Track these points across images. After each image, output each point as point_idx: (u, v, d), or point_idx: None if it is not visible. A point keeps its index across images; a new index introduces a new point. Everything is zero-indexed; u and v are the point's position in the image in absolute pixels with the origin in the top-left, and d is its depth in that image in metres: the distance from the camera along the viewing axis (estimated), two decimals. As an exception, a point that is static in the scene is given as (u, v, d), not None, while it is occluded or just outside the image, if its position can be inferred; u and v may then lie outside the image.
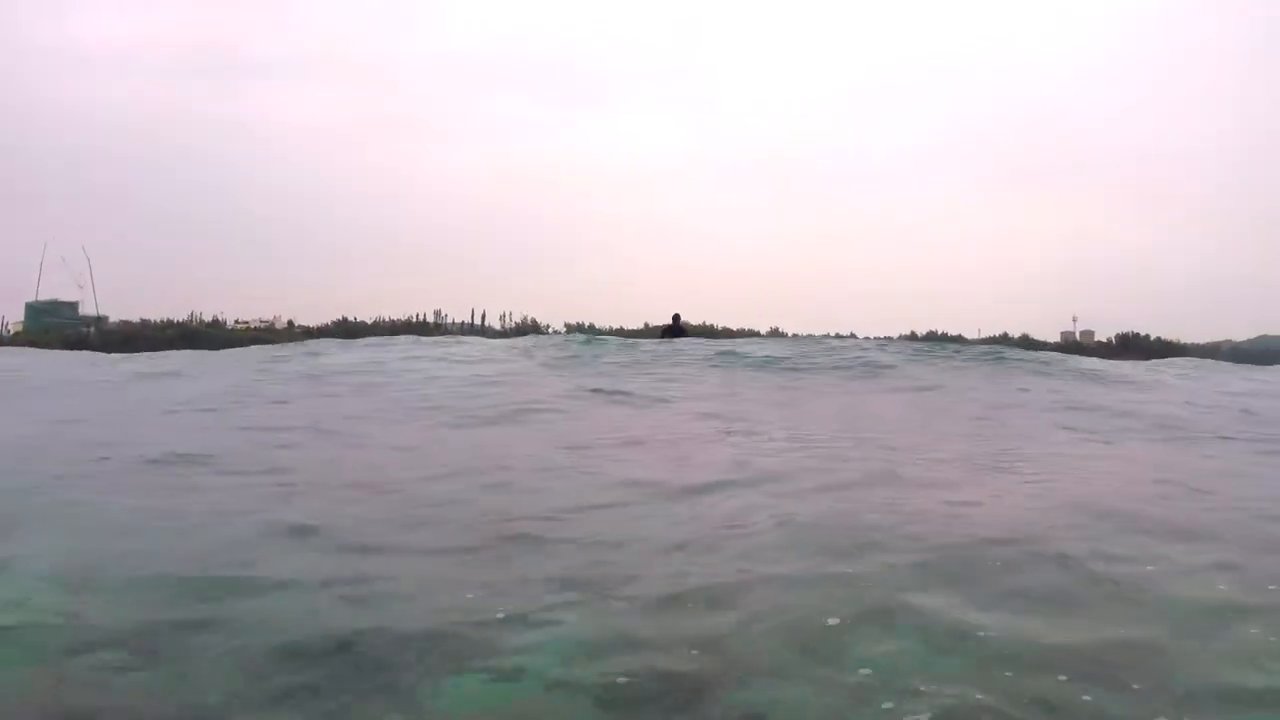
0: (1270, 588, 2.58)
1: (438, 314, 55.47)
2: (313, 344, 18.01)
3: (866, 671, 1.95)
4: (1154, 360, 24.08)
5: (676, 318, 22.95)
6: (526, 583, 2.52)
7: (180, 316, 41.94)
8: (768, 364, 12.15)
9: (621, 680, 1.91)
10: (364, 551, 2.80)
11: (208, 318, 43.10)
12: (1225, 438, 6.65)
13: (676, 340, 17.27)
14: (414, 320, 52.20)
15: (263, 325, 39.45)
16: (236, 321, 42.88)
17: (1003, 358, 13.64)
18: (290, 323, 41.69)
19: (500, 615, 2.24)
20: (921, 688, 1.85)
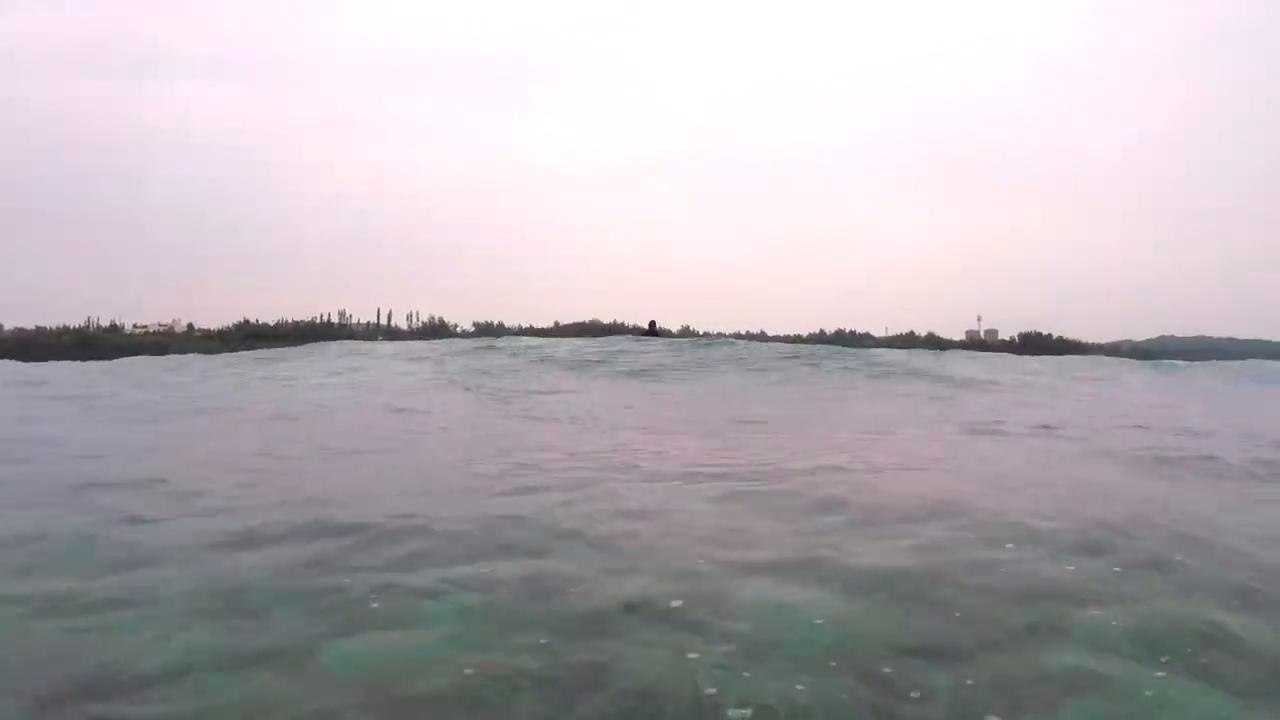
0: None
1: (343, 315, 54.36)
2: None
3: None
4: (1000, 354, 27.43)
5: (652, 324, 28.63)
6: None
7: (76, 322, 40.15)
8: (637, 367, 13.92)
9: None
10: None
11: (105, 323, 41.25)
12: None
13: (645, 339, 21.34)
14: (318, 322, 51.06)
15: (162, 330, 38.11)
16: (135, 326, 41.29)
17: (818, 358, 16.16)
18: (190, 326, 40.41)
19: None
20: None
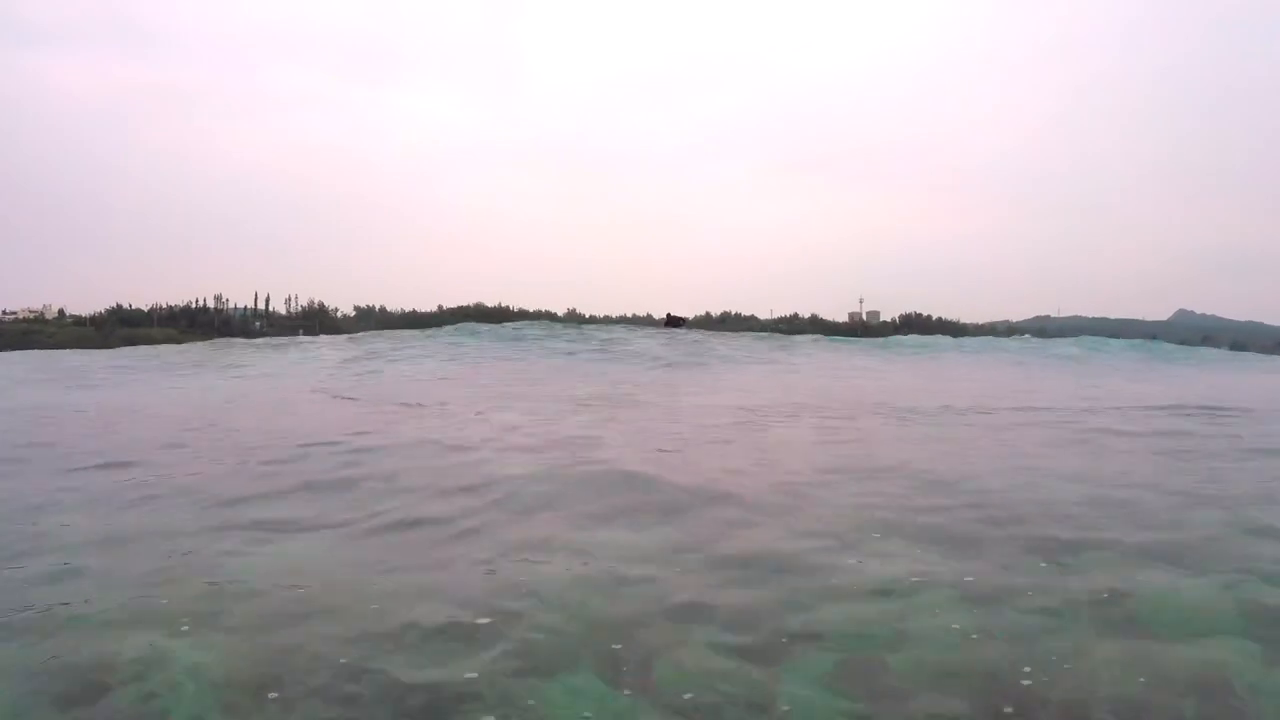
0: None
1: (219, 299, 52.90)
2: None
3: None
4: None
5: (671, 316, 31.24)
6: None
7: (-72, 308, 37.80)
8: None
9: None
10: None
11: (-37, 308, 39.04)
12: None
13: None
14: (193, 306, 49.57)
15: (32, 315, 36.30)
16: (4, 312, 39.13)
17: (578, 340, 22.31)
18: (61, 311, 38.56)
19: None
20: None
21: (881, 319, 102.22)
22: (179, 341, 62.61)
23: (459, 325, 28.36)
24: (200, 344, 30.12)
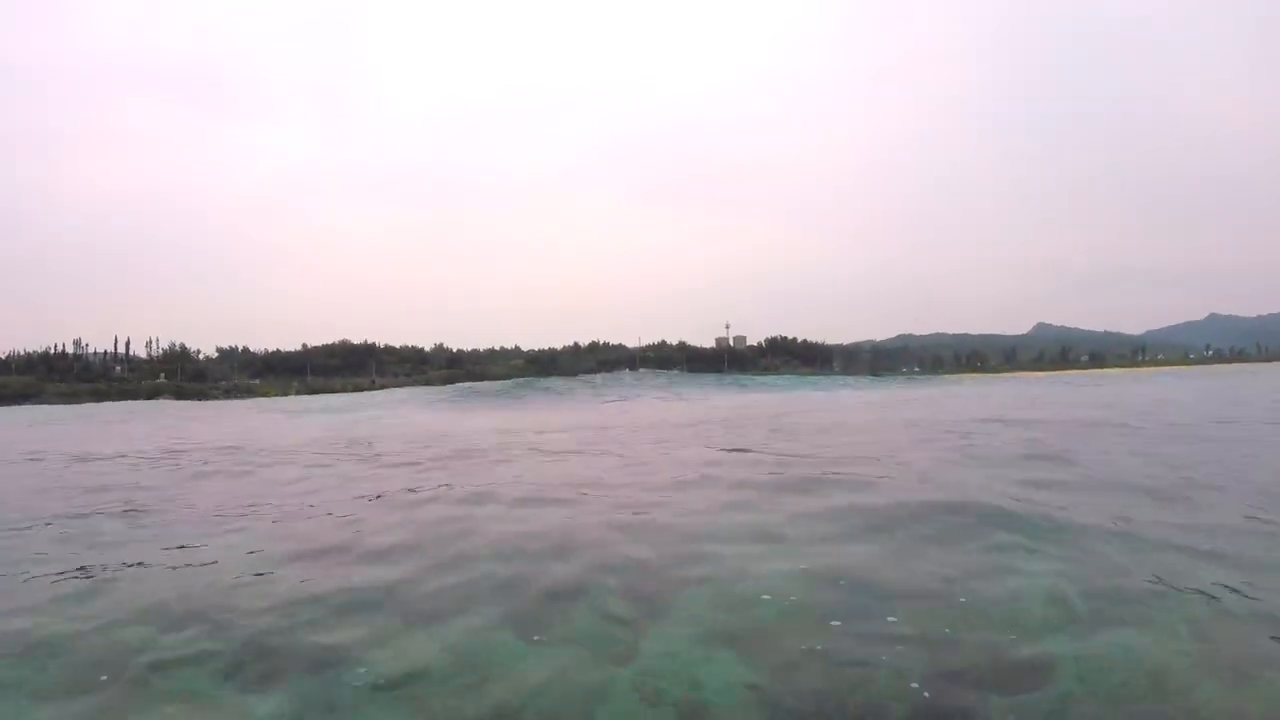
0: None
1: (77, 344, 53.20)
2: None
3: None
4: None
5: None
6: None
7: None
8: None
9: None
10: None
11: None
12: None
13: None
14: (51, 352, 49.71)
15: None
16: None
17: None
18: (-94, 362, 38.34)
19: None
20: None
21: (748, 343, 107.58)
22: (43, 392, 61.41)
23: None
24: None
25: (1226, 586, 3.51)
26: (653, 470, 7.70)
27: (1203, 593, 3.43)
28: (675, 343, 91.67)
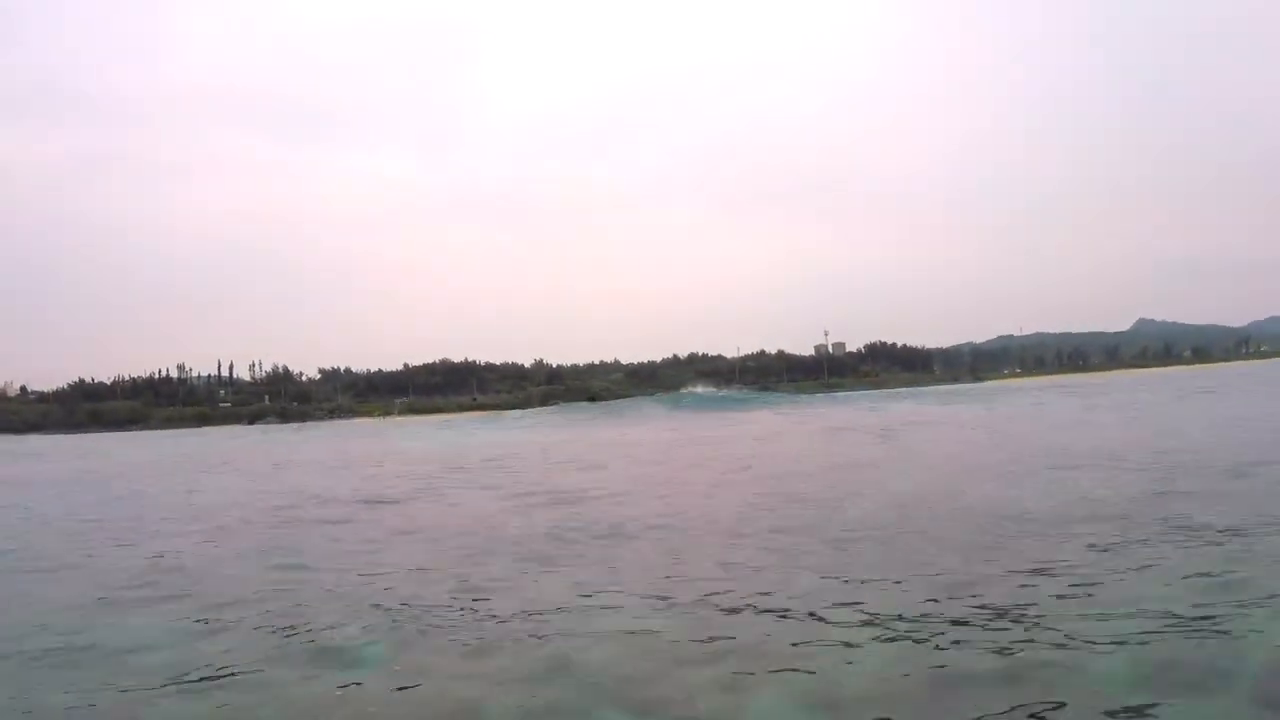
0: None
1: (181, 368, 51.44)
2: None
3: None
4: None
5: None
6: None
7: None
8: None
9: None
10: None
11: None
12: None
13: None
14: (156, 377, 48.34)
15: (-12, 393, 34.94)
16: (-37, 393, 38.01)
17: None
18: (23, 388, 37.21)
19: None
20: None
21: (847, 349, 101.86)
22: (150, 417, 60.91)
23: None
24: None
25: None
26: None
27: None
28: (774, 351, 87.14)
